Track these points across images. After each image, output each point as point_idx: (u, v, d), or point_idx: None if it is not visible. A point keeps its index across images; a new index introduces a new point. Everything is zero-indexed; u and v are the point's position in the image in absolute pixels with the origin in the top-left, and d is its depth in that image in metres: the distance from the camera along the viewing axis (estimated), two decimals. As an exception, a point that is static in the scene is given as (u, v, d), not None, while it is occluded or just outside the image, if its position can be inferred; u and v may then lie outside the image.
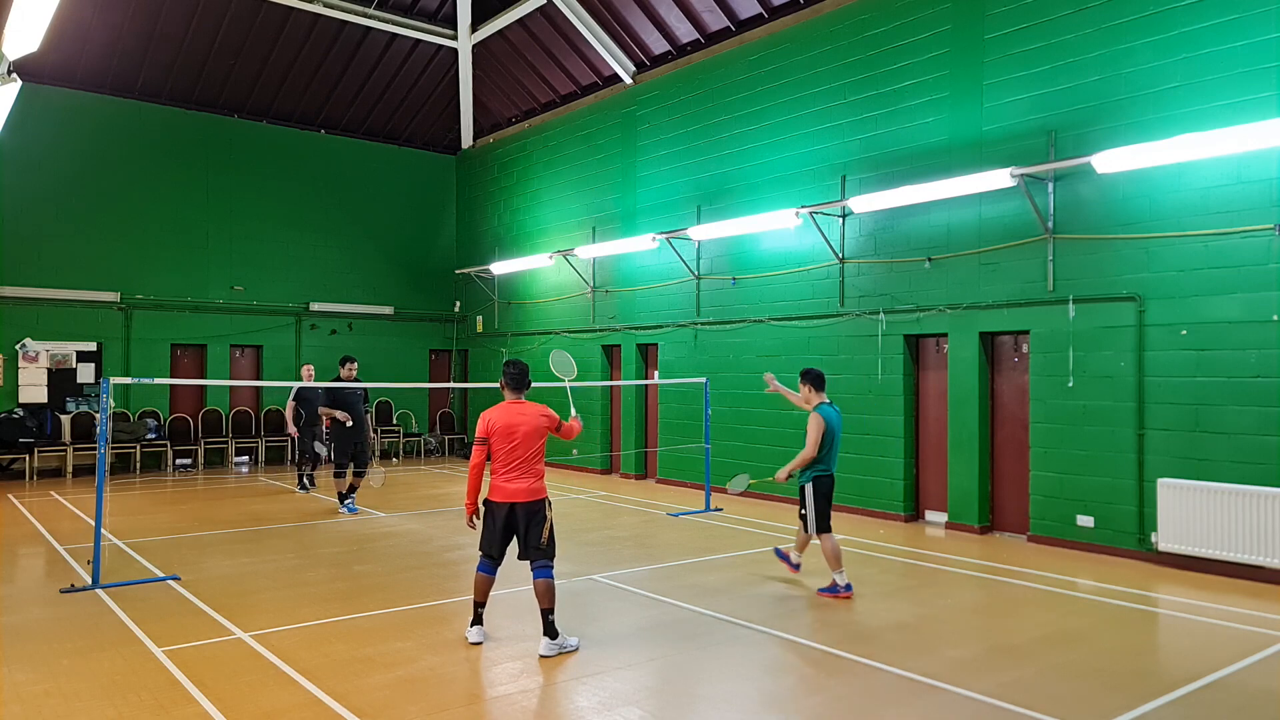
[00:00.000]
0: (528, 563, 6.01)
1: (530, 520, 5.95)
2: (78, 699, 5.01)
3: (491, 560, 6.05)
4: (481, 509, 6.11)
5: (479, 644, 6.03)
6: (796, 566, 8.00)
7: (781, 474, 7.71)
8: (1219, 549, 8.09)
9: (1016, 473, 10.09)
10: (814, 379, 7.67)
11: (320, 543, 9.59)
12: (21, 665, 5.57)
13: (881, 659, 5.75)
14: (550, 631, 5.86)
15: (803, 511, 7.57)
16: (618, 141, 15.61)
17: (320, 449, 12.73)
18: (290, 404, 13.46)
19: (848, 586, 7.35)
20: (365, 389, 11.97)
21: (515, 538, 6.03)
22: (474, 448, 6.04)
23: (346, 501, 11.54)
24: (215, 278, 17.22)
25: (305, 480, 13.53)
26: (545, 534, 5.94)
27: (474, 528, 6.13)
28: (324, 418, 11.91)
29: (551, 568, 5.97)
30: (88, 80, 15.91)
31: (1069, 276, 9.41)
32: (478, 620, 6.11)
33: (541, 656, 5.78)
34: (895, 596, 7.45)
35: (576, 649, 5.94)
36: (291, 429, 13.43)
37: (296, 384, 12.84)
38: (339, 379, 11.77)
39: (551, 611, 5.88)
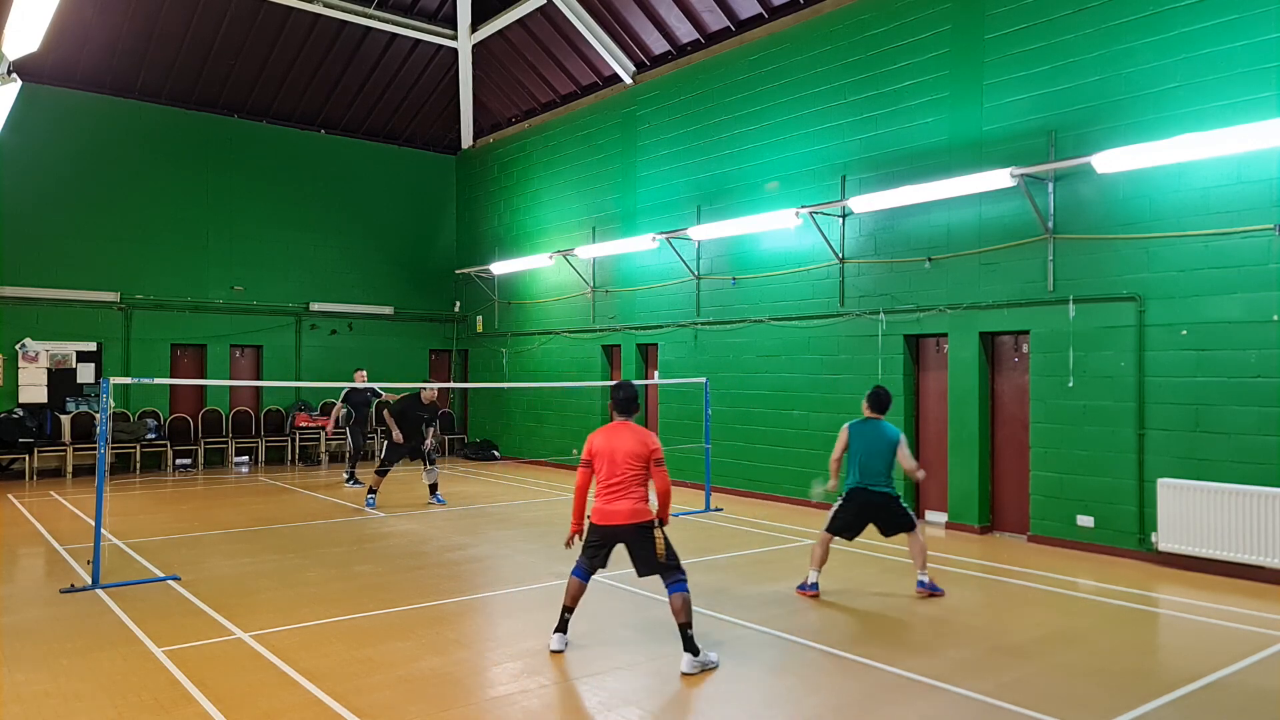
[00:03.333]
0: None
1: (636, 542, 5.77)
2: (78, 699, 5.01)
3: (585, 569, 5.95)
4: (586, 527, 5.99)
5: (560, 652, 5.86)
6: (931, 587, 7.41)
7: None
8: (1219, 549, 8.09)
9: (1016, 473, 10.09)
10: (870, 398, 7.73)
11: (320, 543, 9.59)
12: (21, 665, 5.57)
13: (881, 659, 5.75)
14: (691, 648, 5.57)
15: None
16: (618, 141, 15.61)
17: (399, 436, 13.08)
18: (337, 405, 14.39)
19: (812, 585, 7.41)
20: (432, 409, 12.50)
21: (630, 557, 5.87)
22: (579, 470, 5.98)
23: (369, 497, 12.07)
24: (215, 278, 17.22)
25: (351, 474, 14.41)
26: (661, 550, 5.72)
27: (570, 547, 6.07)
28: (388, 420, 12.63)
29: (685, 581, 5.72)
30: (87, 80, 15.91)
31: (1069, 276, 9.41)
32: (562, 627, 5.92)
33: (684, 674, 5.48)
34: (895, 596, 7.44)
35: (717, 665, 5.63)
36: (330, 427, 14.38)
37: (347, 385, 13.76)
38: (417, 398, 12.31)
39: (690, 626, 5.60)
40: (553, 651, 5.86)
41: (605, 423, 16.49)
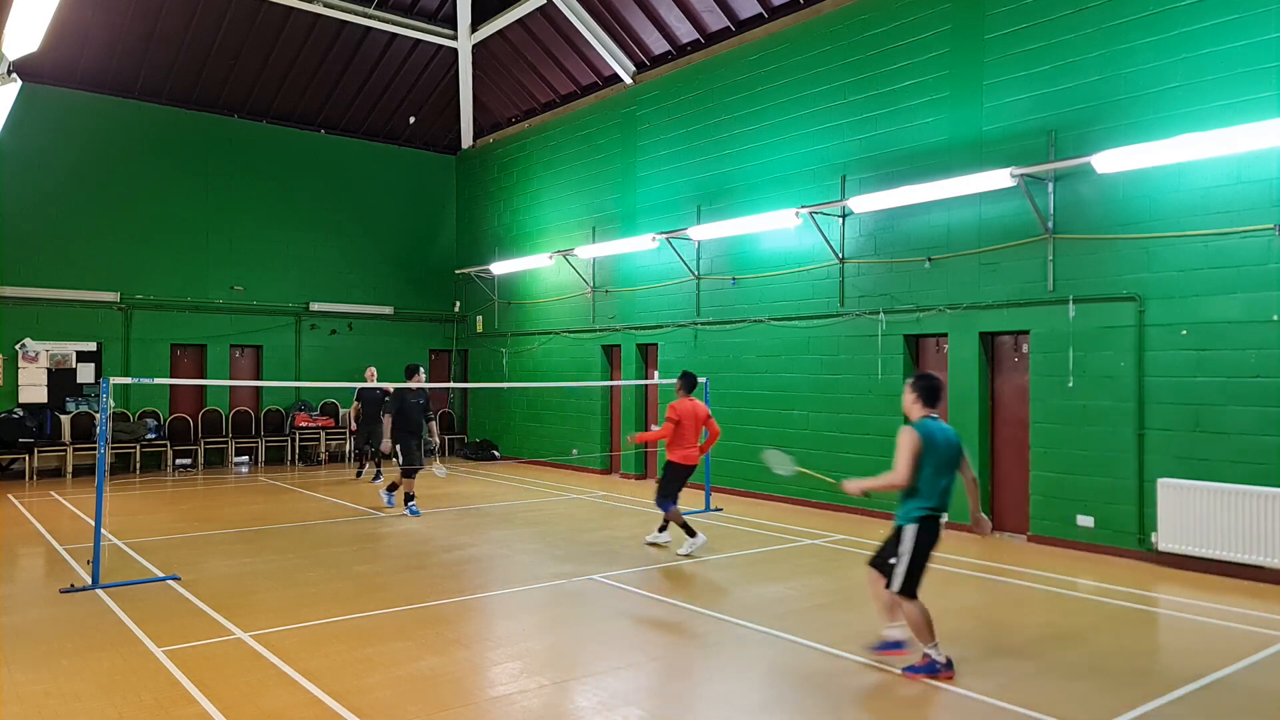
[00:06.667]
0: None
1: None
2: (78, 699, 5.01)
3: (677, 497, 9.20)
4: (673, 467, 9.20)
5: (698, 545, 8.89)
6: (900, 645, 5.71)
7: (853, 486, 5.64)
8: (1219, 549, 8.09)
9: (1016, 473, 10.09)
10: (922, 390, 5.61)
11: (320, 543, 9.59)
12: (21, 665, 5.57)
13: (881, 659, 5.74)
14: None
15: (892, 560, 5.57)
16: (618, 141, 15.61)
17: (387, 446, 12.91)
18: (355, 405, 14.68)
19: (949, 664, 5.43)
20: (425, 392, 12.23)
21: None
22: (666, 424, 9.24)
23: (410, 504, 11.56)
24: (215, 278, 17.22)
25: (376, 471, 14.53)
26: None
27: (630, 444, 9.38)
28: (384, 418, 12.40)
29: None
30: (88, 80, 15.91)
31: (1069, 276, 9.41)
32: (690, 531, 8.99)
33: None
34: (895, 596, 7.43)
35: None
36: (354, 425, 14.55)
37: (359, 384, 13.82)
38: (405, 386, 11.98)
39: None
40: (691, 547, 8.90)
41: (605, 421, 16.56)
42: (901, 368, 11.00)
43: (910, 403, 5.61)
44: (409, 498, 11.55)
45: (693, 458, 9.24)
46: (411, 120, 19.09)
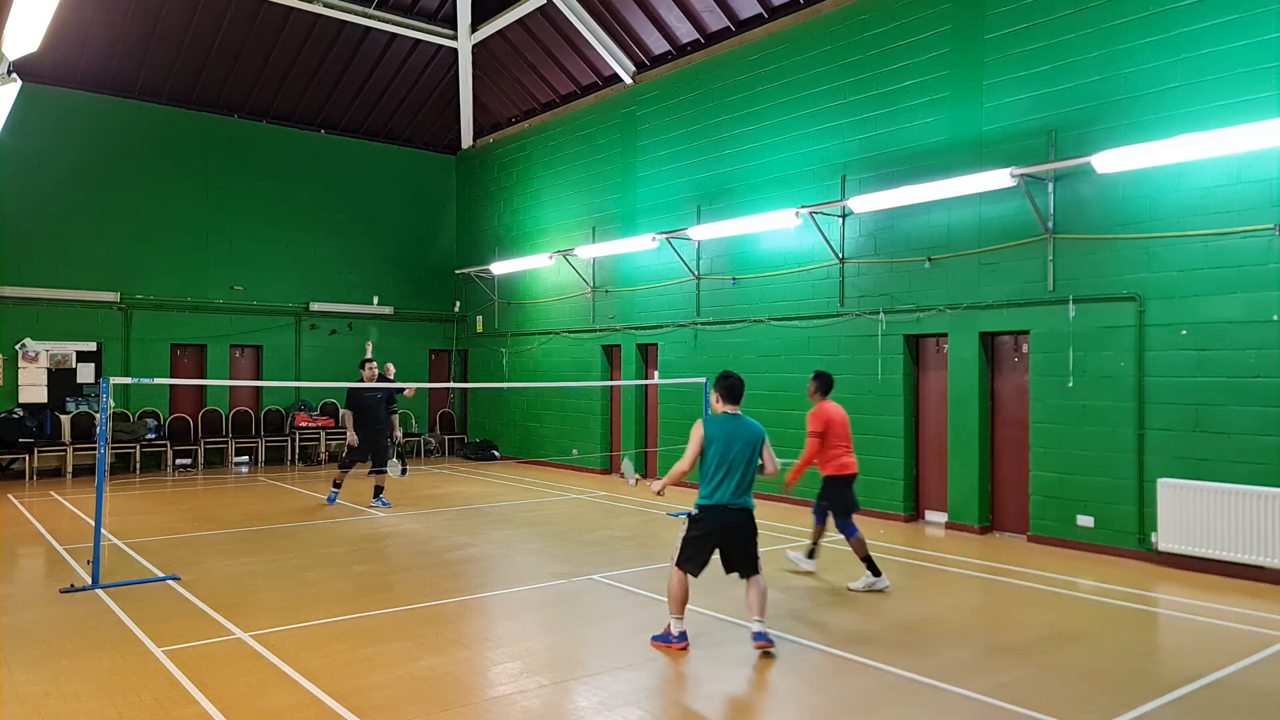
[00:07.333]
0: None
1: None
2: (78, 699, 5.01)
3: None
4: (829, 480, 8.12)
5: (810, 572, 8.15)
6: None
7: (656, 485, 6.54)
8: (1219, 549, 8.09)
9: (1016, 473, 10.09)
10: (722, 389, 6.17)
11: (320, 543, 9.59)
12: (21, 665, 5.57)
13: (881, 659, 5.75)
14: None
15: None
16: (618, 141, 15.61)
17: (353, 439, 12.85)
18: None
19: (682, 637, 5.96)
20: (389, 390, 12.25)
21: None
22: (811, 440, 7.98)
23: (333, 490, 12.15)
24: (215, 278, 17.22)
25: (401, 467, 14.10)
26: None
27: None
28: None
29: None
30: (87, 80, 15.91)
31: (1069, 276, 9.41)
32: (875, 570, 7.61)
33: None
34: (895, 596, 7.44)
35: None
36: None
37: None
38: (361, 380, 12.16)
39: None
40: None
41: (605, 421, 16.55)
42: (902, 368, 11.01)
43: (713, 400, 6.26)
44: (336, 484, 12.10)
45: (850, 465, 7.89)
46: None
